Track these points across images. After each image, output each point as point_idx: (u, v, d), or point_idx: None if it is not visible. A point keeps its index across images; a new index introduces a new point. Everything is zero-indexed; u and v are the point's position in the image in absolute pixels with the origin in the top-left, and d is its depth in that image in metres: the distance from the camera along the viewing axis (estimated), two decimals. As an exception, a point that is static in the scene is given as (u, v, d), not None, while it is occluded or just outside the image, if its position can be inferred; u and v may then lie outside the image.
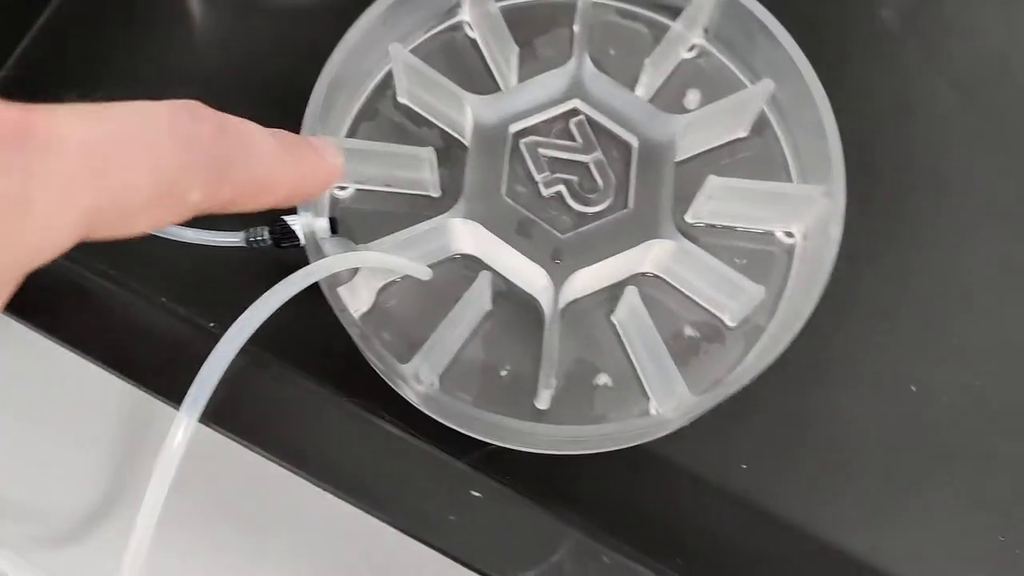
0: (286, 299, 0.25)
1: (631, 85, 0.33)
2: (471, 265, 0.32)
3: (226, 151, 0.20)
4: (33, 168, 0.16)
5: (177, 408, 0.25)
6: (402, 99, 0.34)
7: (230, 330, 0.24)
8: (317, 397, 0.27)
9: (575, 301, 0.31)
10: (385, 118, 0.34)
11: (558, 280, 0.29)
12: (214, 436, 0.26)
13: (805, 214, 0.31)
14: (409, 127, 0.33)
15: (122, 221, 0.18)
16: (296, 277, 0.25)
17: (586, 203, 0.31)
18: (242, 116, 0.35)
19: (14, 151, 0.16)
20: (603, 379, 0.31)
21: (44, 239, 0.17)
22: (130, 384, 0.28)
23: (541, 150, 0.31)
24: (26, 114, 0.16)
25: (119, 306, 0.31)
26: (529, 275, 0.30)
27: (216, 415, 0.25)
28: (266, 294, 0.24)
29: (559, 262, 0.30)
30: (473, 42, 0.35)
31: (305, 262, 0.27)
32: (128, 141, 0.18)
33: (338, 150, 0.25)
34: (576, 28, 0.33)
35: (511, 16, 0.35)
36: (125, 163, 0.18)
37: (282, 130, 0.23)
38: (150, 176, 0.18)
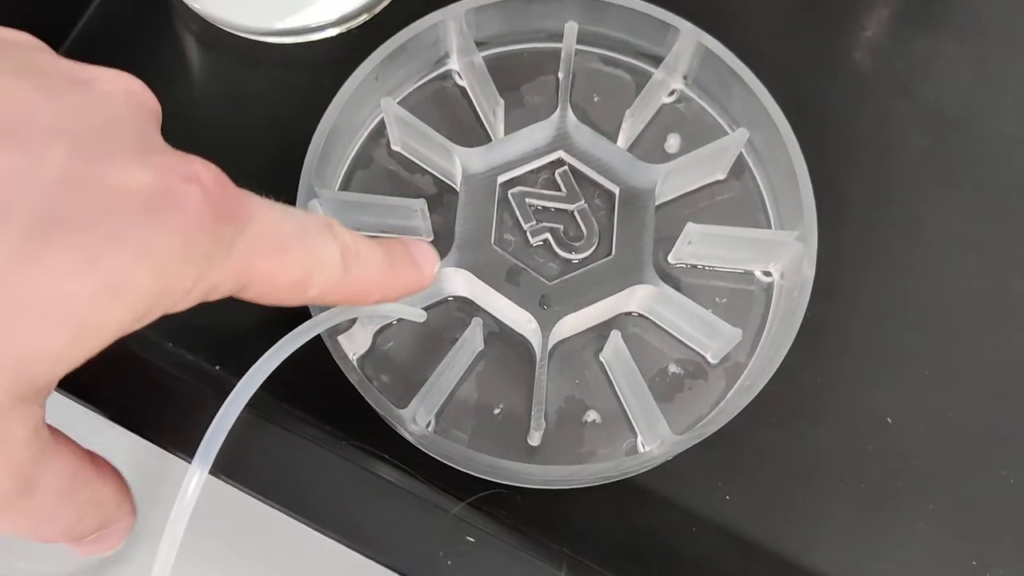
0: (290, 352, 0.26)
1: (614, 130, 0.35)
2: (464, 307, 0.33)
3: (343, 265, 0.23)
4: (242, 229, 0.20)
5: (182, 457, 0.27)
6: (395, 147, 0.35)
7: (236, 387, 0.25)
8: (319, 441, 0.28)
9: (564, 340, 0.33)
10: (379, 165, 0.35)
11: (546, 325, 0.31)
12: (216, 483, 0.27)
13: (781, 255, 0.32)
14: (403, 174, 0.35)
15: (262, 292, 0.22)
16: (299, 331, 0.26)
17: (572, 250, 0.32)
18: (242, 163, 0.37)
19: (235, 214, 0.20)
20: (592, 416, 0.32)
21: (219, 286, 0.20)
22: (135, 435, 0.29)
23: (528, 200, 0.33)
24: (242, 191, 0.20)
25: (124, 352, 0.32)
26: (519, 320, 0.32)
27: (220, 464, 0.26)
28: (271, 349, 0.26)
29: (547, 308, 0.31)
30: (462, 89, 0.36)
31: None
32: (294, 238, 0.22)
33: (436, 259, 0.28)
34: (560, 77, 0.34)
35: (498, 63, 0.36)
36: (287, 252, 0.21)
37: (393, 241, 0.26)
38: (295, 268, 0.22)
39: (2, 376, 0.17)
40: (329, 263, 0.23)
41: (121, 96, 0.20)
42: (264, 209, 0.21)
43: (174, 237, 0.18)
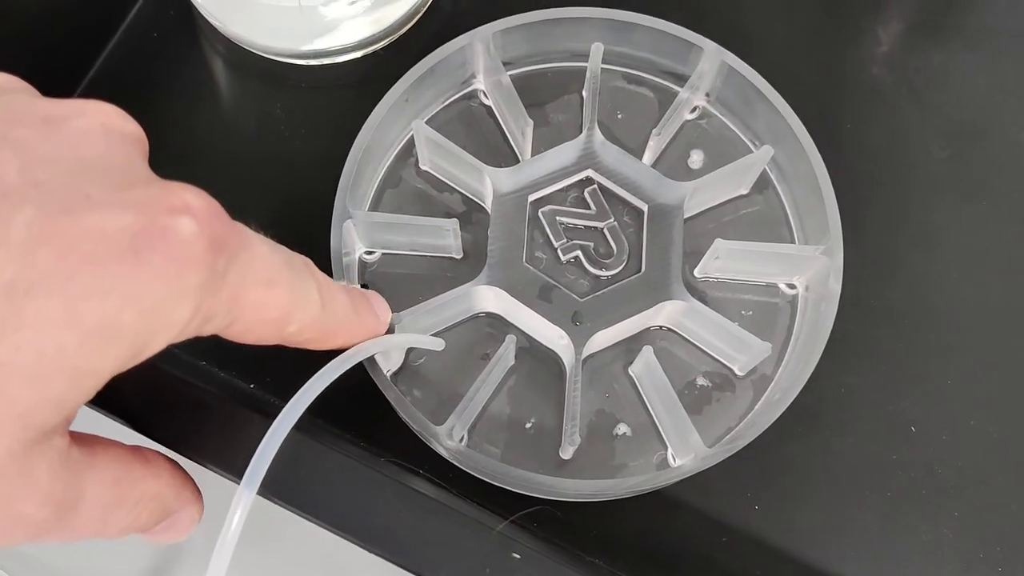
0: (334, 379, 0.27)
1: (639, 146, 0.35)
2: (494, 323, 0.34)
3: (321, 303, 0.24)
4: (234, 259, 0.20)
5: (221, 473, 0.28)
6: (424, 167, 0.36)
7: (282, 412, 0.26)
8: (361, 459, 0.29)
9: (593, 355, 0.33)
10: (408, 185, 0.36)
11: (579, 341, 0.31)
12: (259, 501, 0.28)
13: (806, 269, 0.33)
14: (431, 193, 0.36)
15: (246, 328, 0.21)
16: (346, 357, 0.27)
17: (602, 267, 0.33)
18: (270, 185, 0.38)
19: (228, 243, 0.19)
20: (623, 429, 0.33)
21: (214, 317, 0.20)
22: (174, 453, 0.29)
23: (559, 218, 0.33)
24: (234, 221, 0.20)
25: (158, 371, 0.33)
26: (551, 336, 0.32)
27: (263, 483, 0.27)
28: (315, 376, 0.26)
29: (579, 324, 0.32)
30: (488, 108, 0.37)
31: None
32: (283, 271, 0.22)
33: (387, 308, 0.29)
34: (586, 96, 0.35)
35: (524, 82, 0.37)
36: (276, 285, 0.21)
37: (352, 287, 0.27)
38: (282, 302, 0.22)
39: (9, 430, 0.17)
40: (310, 299, 0.23)
41: (98, 132, 0.20)
42: (256, 240, 0.21)
43: (163, 274, 0.18)
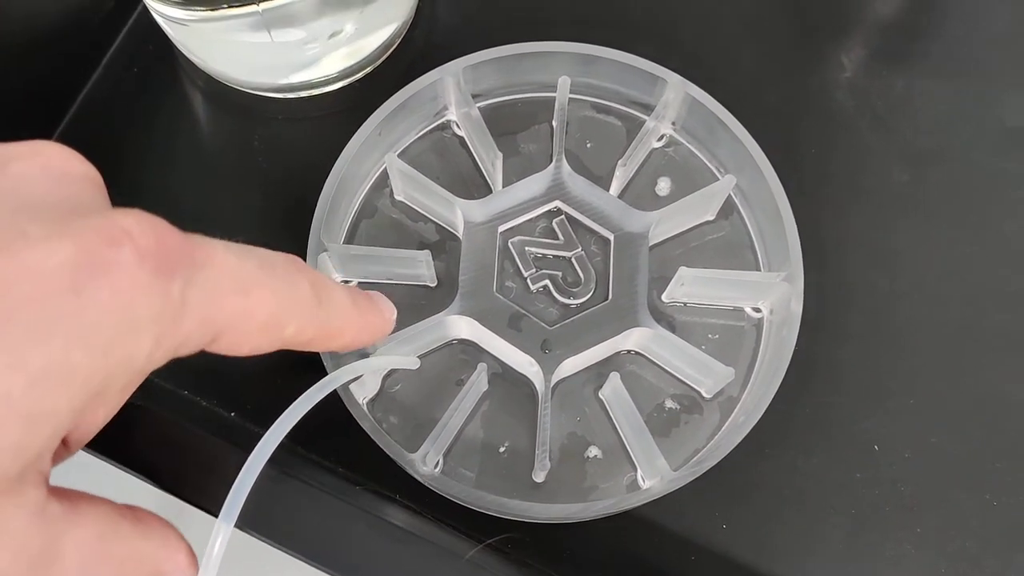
0: (309, 408, 0.28)
1: (608, 174, 0.36)
2: (468, 350, 0.35)
3: (316, 298, 0.23)
4: (193, 278, 0.19)
5: (203, 508, 0.28)
6: (399, 197, 0.37)
7: (256, 448, 0.27)
8: (335, 491, 0.29)
9: (565, 379, 0.34)
10: (384, 215, 0.37)
11: (548, 368, 0.32)
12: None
13: (769, 294, 0.34)
14: (406, 223, 0.36)
15: (236, 340, 0.21)
16: (318, 387, 0.28)
17: (570, 296, 0.34)
18: (248, 216, 0.39)
19: (180, 264, 0.18)
20: (594, 451, 0.33)
21: (187, 340, 0.19)
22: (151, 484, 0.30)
23: (528, 248, 0.34)
24: (188, 238, 0.19)
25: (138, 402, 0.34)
26: (522, 363, 0.33)
27: (251, 519, 0.28)
28: (289, 408, 0.27)
29: (548, 352, 0.33)
30: (462, 139, 0.38)
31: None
32: (260, 275, 0.21)
33: (392, 306, 0.28)
34: (555, 126, 0.36)
35: (495, 112, 0.38)
36: (255, 290, 0.21)
37: (352, 287, 0.26)
38: (267, 305, 0.21)
39: None
40: (301, 296, 0.22)
41: (39, 173, 0.19)
42: (219, 251, 0.20)
43: (110, 310, 0.17)
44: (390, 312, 0.28)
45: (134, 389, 0.20)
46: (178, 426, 0.31)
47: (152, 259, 0.18)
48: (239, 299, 0.20)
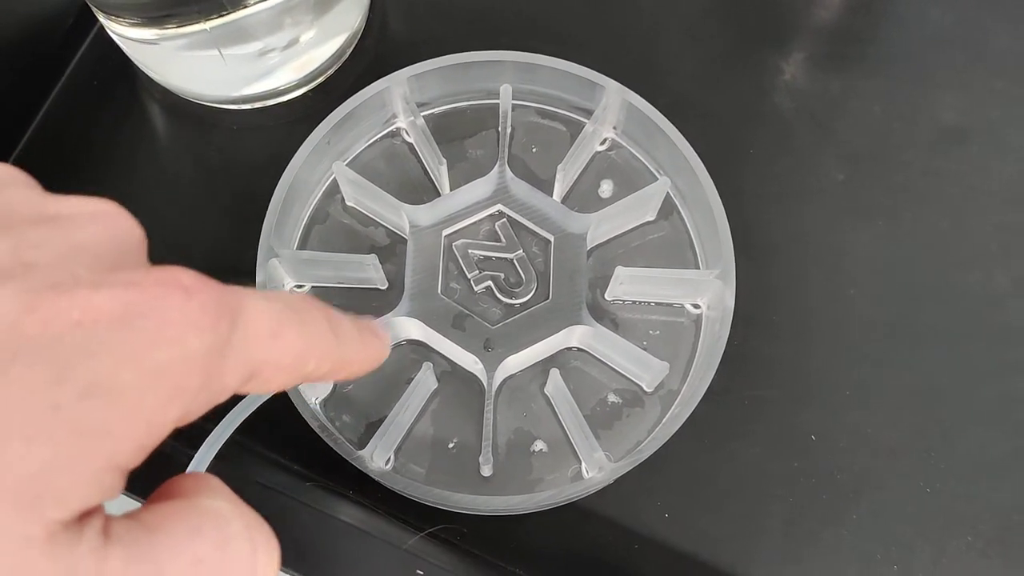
0: (255, 408, 0.29)
1: (552, 178, 0.37)
2: (417, 350, 0.36)
3: (333, 333, 0.24)
4: (235, 321, 0.19)
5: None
6: (350, 203, 0.38)
7: (208, 439, 0.28)
8: (284, 487, 0.31)
9: (512, 376, 0.35)
10: (336, 220, 0.38)
11: (490, 366, 0.34)
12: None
13: (706, 291, 0.35)
14: (357, 227, 0.38)
15: (266, 380, 0.21)
16: (243, 405, 0.29)
17: (512, 296, 0.35)
18: (206, 226, 0.40)
19: (225, 306, 0.19)
20: (539, 445, 0.35)
21: (226, 384, 0.19)
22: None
23: (471, 250, 0.36)
24: (227, 287, 0.20)
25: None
26: (466, 361, 0.34)
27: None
28: (238, 406, 0.28)
29: (491, 350, 0.34)
30: (411, 146, 0.39)
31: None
32: (287, 316, 0.21)
33: (386, 332, 0.29)
34: (499, 134, 0.37)
35: (443, 119, 0.39)
36: (285, 331, 0.21)
37: (353, 317, 0.26)
38: (295, 345, 0.22)
39: (14, 505, 0.16)
40: (321, 333, 0.23)
41: (92, 224, 0.20)
42: (250, 297, 0.20)
43: (161, 339, 0.18)
44: (386, 337, 0.28)
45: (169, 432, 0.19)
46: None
47: (202, 301, 0.18)
48: (272, 341, 0.21)
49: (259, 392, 0.22)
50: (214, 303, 0.19)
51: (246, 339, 0.20)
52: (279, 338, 0.21)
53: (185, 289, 0.18)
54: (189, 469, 0.28)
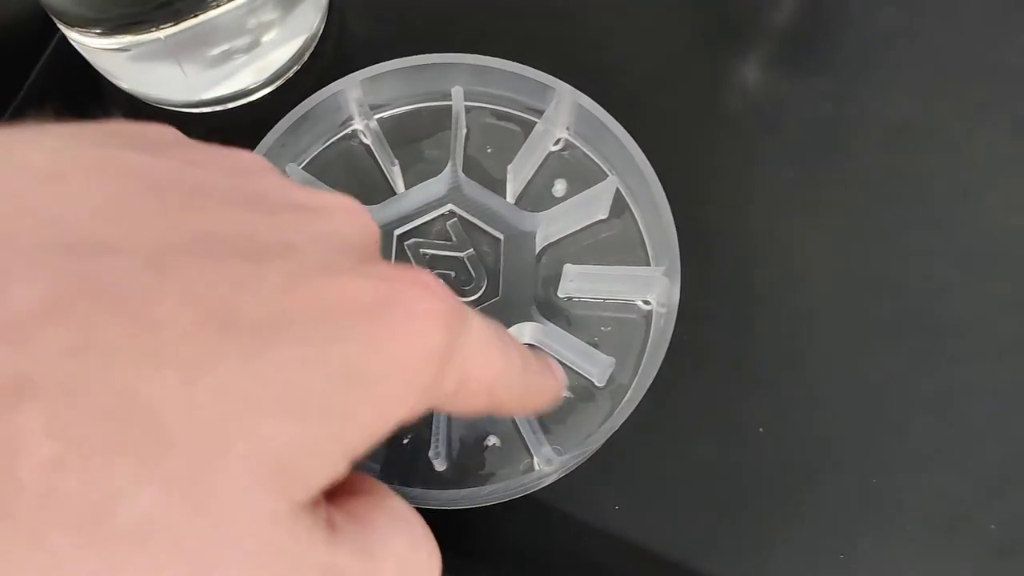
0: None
1: (506, 177, 0.38)
2: (374, 348, 0.36)
3: (523, 366, 0.23)
4: (465, 327, 0.20)
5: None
6: (307, 204, 0.38)
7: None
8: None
9: (466, 373, 0.36)
10: (293, 222, 0.38)
11: (441, 363, 0.34)
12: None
13: (654, 287, 0.36)
14: (315, 228, 0.38)
15: (465, 399, 0.21)
16: None
17: (463, 294, 0.36)
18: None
19: (461, 312, 0.20)
20: (492, 440, 0.35)
21: (444, 389, 0.20)
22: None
23: (422, 249, 0.36)
24: (458, 299, 0.20)
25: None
26: (418, 358, 0.35)
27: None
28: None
29: (441, 347, 0.34)
30: (367, 147, 0.40)
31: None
32: (494, 338, 0.22)
33: (561, 369, 0.28)
34: (452, 137, 0.38)
35: (400, 120, 0.40)
36: (491, 352, 0.21)
37: (532, 351, 0.26)
38: (495, 368, 0.22)
39: (264, 480, 0.16)
40: (514, 361, 0.23)
41: (339, 213, 0.20)
42: (472, 310, 0.21)
43: (407, 332, 0.18)
44: (561, 375, 0.28)
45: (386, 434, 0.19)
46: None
47: (443, 302, 0.19)
48: (482, 357, 0.21)
49: (450, 411, 0.22)
50: (453, 305, 0.19)
51: (467, 347, 0.20)
52: (486, 355, 0.21)
53: (431, 290, 0.19)
54: None
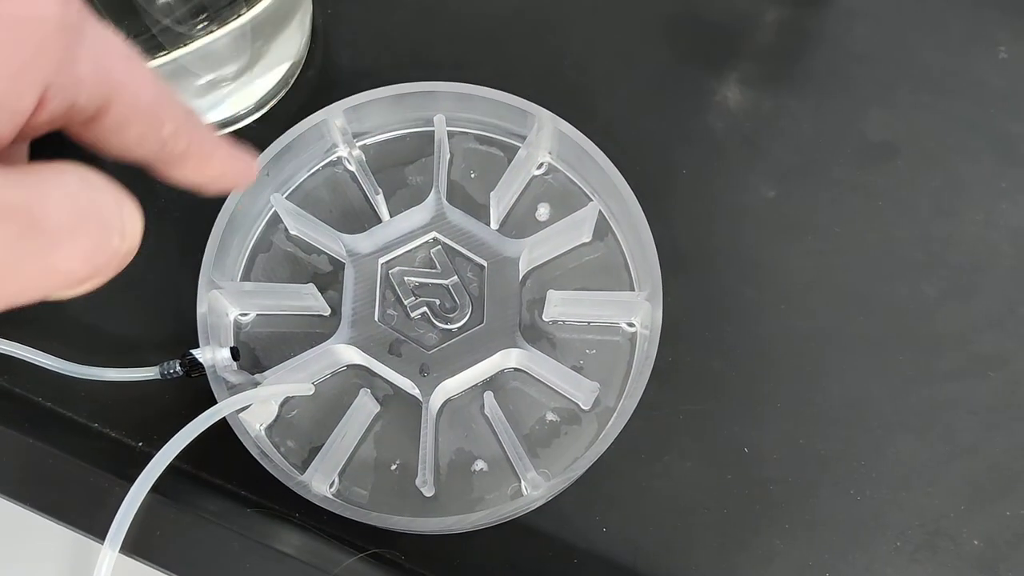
0: (194, 437, 0.30)
1: (489, 203, 0.38)
2: (360, 374, 0.37)
3: (185, 108, 0.21)
4: (86, 20, 0.18)
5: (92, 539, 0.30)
6: (293, 232, 0.39)
7: (144, 471, 0.29)
8: (220, 515, 0.32)
9: (453, 398, 0.36)
10: (279, 249, 0.39)
11: (426, 390, 0.35)
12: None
13: (637, 311, 0.36)
14: (300, 255, 0.39)
15: (124, 115, 0.20)
16: (198, 421, 0.30)
17: (447, 321, 0.36)
18: (151, 256, 0.40)
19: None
20: (480, 465, 0.36)
21: (83, 85, 0.18)
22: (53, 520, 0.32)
23: (407, 277, 0.37)
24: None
25: (54, 432, 0.36)
26: (404, 385, 0.35)
27: (136, 545, 0.30)
28: (173, 438, 0.29)
29: (426, 375, 0.35)
30: (352, 174, 0.40)
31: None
32: (144, 64, 0.20)
33: (257, 160, 0.26)
34: (435, 163, 0.38)
35: (384, 147, 0.40)
36: (139, 64, 0.20)
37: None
38: (151, 85, 0.20)
39: None
40: (173, 98, 0.21)
41: None
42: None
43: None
44: (253, 164, 0.26)
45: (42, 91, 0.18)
46: (78, 455, 0.33)
47: None
48: (129, 64, 0.20)
49: (114, 132, 0.20)
50: None
51: (101, 40, 0.19)
52: (135, 64, 0.20)
53: None
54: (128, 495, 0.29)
